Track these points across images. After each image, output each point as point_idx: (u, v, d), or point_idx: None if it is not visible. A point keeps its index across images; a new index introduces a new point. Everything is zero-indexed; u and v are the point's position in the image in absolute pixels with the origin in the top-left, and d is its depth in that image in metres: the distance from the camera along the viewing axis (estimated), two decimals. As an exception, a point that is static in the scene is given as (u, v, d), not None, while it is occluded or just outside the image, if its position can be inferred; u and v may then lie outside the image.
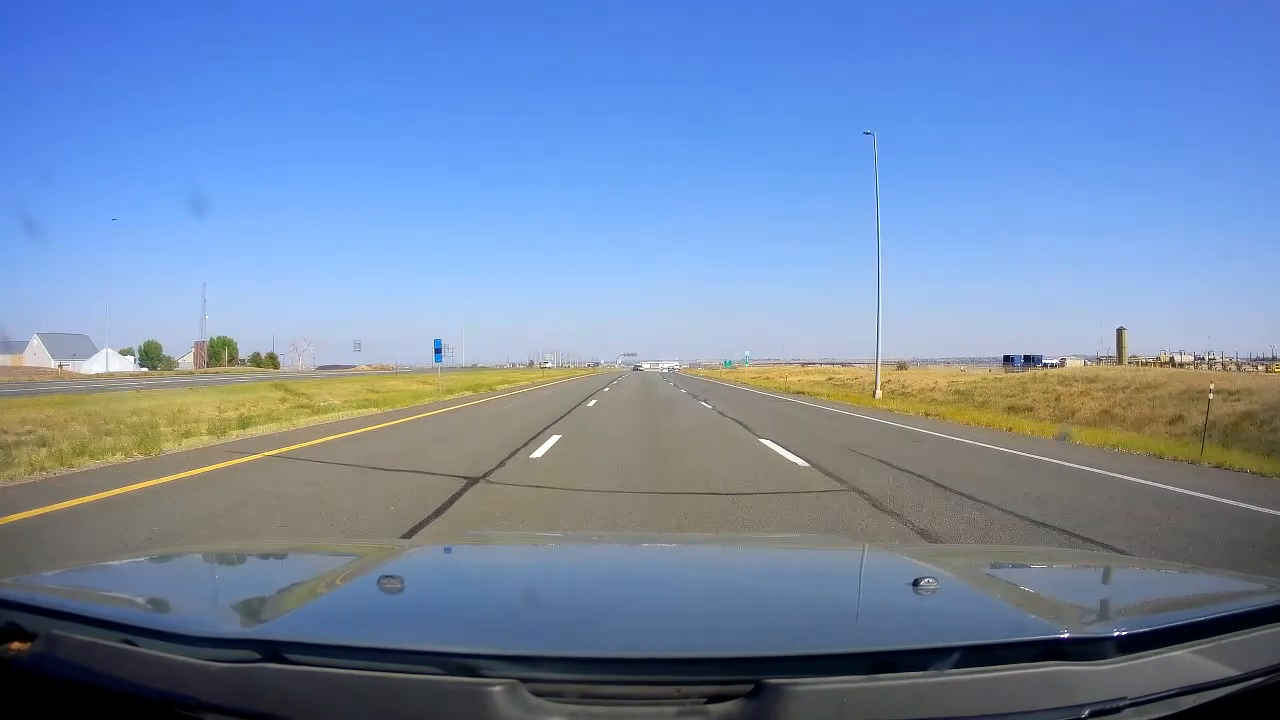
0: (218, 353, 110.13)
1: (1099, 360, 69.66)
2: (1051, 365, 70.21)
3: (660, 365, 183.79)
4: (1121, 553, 4.41)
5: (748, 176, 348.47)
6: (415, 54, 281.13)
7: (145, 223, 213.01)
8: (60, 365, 76.06)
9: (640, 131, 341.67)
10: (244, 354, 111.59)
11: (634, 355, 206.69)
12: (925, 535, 4.97)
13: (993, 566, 1.77)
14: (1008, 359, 78.79)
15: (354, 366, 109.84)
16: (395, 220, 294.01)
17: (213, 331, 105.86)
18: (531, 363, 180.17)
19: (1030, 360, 72.76)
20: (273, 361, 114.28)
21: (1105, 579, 1.76)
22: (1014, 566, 1.85)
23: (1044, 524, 5.27)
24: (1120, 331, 62.95)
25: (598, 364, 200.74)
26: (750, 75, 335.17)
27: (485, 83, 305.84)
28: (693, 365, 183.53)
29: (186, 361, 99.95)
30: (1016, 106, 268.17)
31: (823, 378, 50.29)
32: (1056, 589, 1.49)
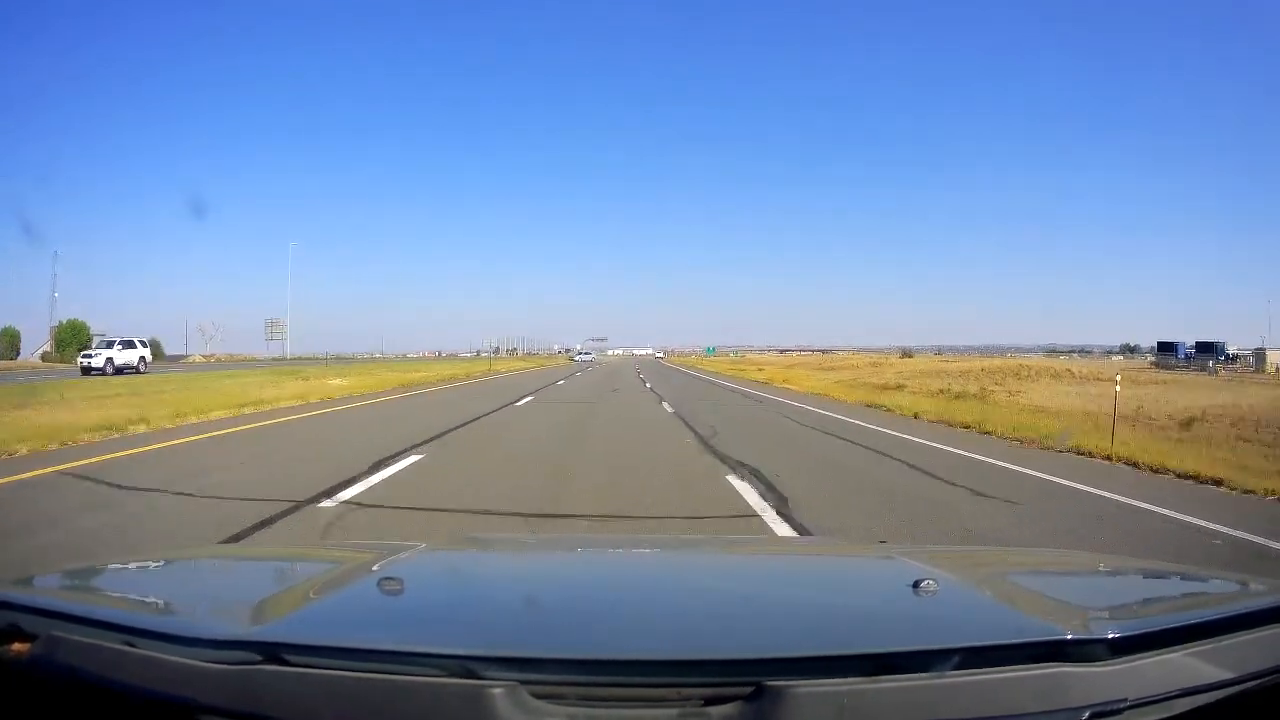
0: (65, 341, 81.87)
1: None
2: (1233, 357, 47.47)
3: (635, 352, 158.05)
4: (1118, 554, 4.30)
5: (728, 166, 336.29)
6: (377, 41, 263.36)
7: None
8: None
9: (619, 121, 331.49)
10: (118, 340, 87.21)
11: (604, 340, 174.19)
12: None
13: (992, 568, 1.77)
14: (1164, 347, 55.11)
15: (188, 357, 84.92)
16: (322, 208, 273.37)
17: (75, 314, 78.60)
18: (498, 349, 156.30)
19: (1205, 349, 49.36)
20: (156, 351, 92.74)
21: (1105, 580, 1.75)
22: (1014, 568, 1.84)
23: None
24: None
25: (567, 350, 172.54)
26: (733, 65, 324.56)
27: (465, 71, 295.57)
28: (669, 353, 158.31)
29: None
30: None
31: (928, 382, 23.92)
32: (1056, 590, 1.48)
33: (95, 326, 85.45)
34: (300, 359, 63.17)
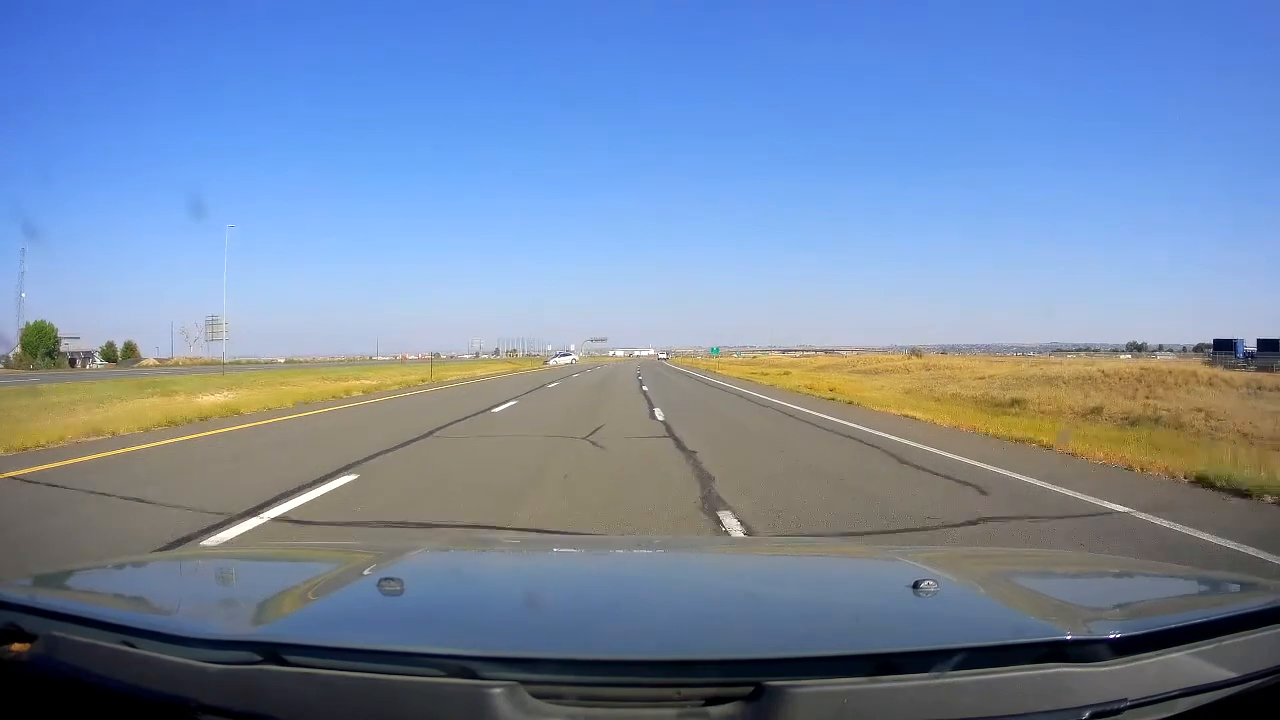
0: (32, 345, 77.85)
1: None
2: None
3: (637, 353, 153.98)
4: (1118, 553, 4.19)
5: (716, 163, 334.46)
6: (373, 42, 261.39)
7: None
8: None
9: (627, 124, 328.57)
10: (95, 345, 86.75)
11: (604, 340, 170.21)
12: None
13: (993, 569, 1.75)
14: (1221, 345, 50.98)
15: (141, 361, 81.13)
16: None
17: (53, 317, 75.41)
18: (498, 350, 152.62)
19: (1268, 347, 45.27)
20: (131, 354, 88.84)
21: (1105, 581, 1.73)
22: (1014, 568, 1.83)
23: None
24: None
25: (567, 352, 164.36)
26: (733, 65, 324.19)
27: (465, 71, 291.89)
28: (672, 353, 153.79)
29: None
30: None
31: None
32: (1057, 590, 1.48)
33: (64, 329, 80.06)
34: (241, 362, 56.48)
